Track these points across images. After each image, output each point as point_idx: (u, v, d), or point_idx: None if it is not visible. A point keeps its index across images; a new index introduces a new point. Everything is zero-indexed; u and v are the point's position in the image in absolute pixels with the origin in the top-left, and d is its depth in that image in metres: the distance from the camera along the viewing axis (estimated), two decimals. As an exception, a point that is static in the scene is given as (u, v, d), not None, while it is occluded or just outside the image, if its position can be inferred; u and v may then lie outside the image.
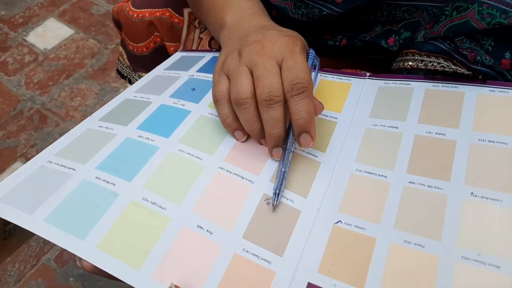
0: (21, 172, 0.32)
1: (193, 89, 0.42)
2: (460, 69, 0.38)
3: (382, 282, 0.27)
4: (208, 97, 0.40)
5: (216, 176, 0.33)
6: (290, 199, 0.32)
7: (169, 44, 0.56)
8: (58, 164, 0.33)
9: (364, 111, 0.39)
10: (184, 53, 0.51)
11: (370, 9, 0.44)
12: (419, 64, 0.41)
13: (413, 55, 0.42)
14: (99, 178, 0.31)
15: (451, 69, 0.38)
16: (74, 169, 0.32)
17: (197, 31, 0.57)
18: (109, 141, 0.35)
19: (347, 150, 0.36)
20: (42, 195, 0.30)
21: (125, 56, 0.64)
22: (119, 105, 0.41)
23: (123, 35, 0.59)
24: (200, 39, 0.57)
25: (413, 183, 0.32)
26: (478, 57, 0.37)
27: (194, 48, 0.57)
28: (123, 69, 0.66)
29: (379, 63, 0.51)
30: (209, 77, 0.43)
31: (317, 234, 0.31)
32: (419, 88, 0.38)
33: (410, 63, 0.41)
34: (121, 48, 0.65)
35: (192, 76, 0.44)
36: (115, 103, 0.41)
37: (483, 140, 0.33)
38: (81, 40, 1.30)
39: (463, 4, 0.38)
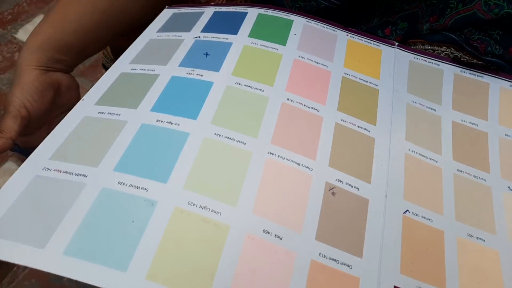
0: (10, 189, 0.22)
1: (207, 54, 0.33)
2: (472, 59, 0.39)
3: (459, 281, 0.26)
4: (229, 63, 0.32)
5: (268, 165, 0.26)
6: (354, 186, 0.27)
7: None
8: (59, 171, 0.23)
9: (401, 84, 0.35)
10: (175, 10, 0.38)
11: (369, 1, 0.42)
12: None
13: (423, 45, 0.40)
14: (124, 184, 0.23)
15: (465, 59, 0.39)
16: (85, 175, 0.23)
17: None
18: (119, 131, 0.26)
19: (396, 125, 0.32)
20: (50, 219, 0.21)
21: (109, 49, 0.59)
22: (116, 82, 0.30)
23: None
24: None
25: (461, 171, 0.31)
26: (489, 48, 0.39)
27: None
28: (108, 62, 0.61)
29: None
30: (220, 37, 0.34)
31: (390, 227, 0.27)
32: (449, 71, 0.37)
33: (422, 50, 0.40)
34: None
35: (198, 38, 0.34)
36: (109, 80, 0.30)
37: (509, 136, 0.34)
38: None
39: None
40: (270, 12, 0.37)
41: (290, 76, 0.32)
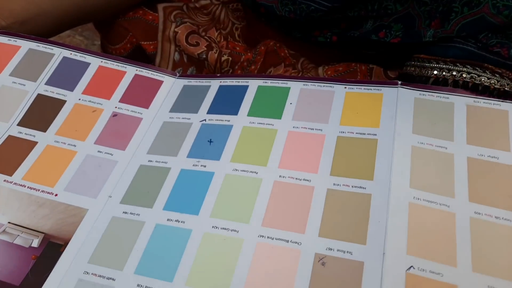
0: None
1: (210, 141, 0.37)
2: (493, 75, 0.36)
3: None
4: (229, 149, 0.36)
5: (258, 249, 0.29)
6: (347, 251, 0.29)
7: (146, 43, 0.49)
8: (95, 275, 0.30)
9: (405, 125, 0.35)
10: (185, 81, 0.43)
11: (360, 3, 0.42)
12: (445, 74, 0.38)
13: (437, 63, 0.38)
14: (141, 286, 0.29)
15: (485, 78, 0.36)
16: (113, 279, 0.29)
17: (173, 25, 0.49)
18: (138, 233, 0.32)
19: (397, 173, 0.32)
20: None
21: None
22: (136, 176, 0.36)
23: (101, 37, 0.54)
24: (176, 33, 0.49)
25: (479, 213, 0.29)
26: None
27: (172, 48, 0.49)
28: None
29: (377, 58, 0.49)
30: (223, 120, 0.38)
31: None
32: (460, 103, 0.35)
33: (436, 72, 0.38)
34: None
35: (204, 122, 0.39)
36: (131, 174, 0.36)
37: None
38: (68, 37, 1.21)
39: None
40: (269, 83, 0.40)
41: (283, 151, 0.34)
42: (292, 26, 0.50)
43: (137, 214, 0.33)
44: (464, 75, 0.37)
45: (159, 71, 0.44)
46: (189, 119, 0.39)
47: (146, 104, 0.41)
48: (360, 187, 0.31)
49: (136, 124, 0.39)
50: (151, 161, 0.36)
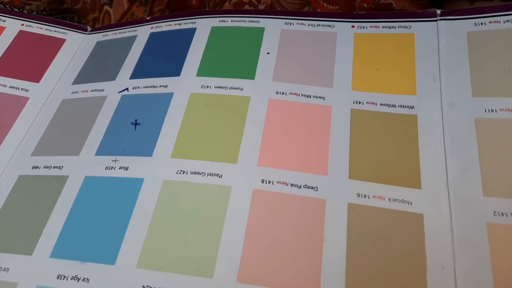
0: None
1: (136, 124, 0.22)
2: None
3: None
4: (167, 138, 0.21)
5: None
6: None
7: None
8: None
9: (458, 84, 0.20)
10: (100, 35, 0.28)
11: None
12: None
13: None
14: None
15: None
16: None
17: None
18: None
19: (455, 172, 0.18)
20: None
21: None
22: (14, 189, 0.21)
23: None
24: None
25: None
26: None
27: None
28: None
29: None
30: (156, 85, 0.24)
31: None
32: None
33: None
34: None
35: (126, 93, 0.24)
36: (5, 189, 0.21)
37: None
38: None
39: None
40: (230, 22, 0.25)
41: (263, 140, 0.20)
42: None
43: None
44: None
45: (61, 26, 0.28)
46: (102, 90, 0.24)
47: (35, 76, 0.26)
48: (405, 201, 0.17)
49: (19, 108, 0.24)
50: (37, 167, 0.21)
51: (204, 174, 0.19)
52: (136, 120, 0.22)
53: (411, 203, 0.17)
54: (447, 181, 0.18)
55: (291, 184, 0.19)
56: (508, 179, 0.17)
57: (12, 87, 0.25)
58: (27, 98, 0.25)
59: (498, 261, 0.15)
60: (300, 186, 0.19)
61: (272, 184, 0.19)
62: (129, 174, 0.20)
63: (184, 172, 0.19)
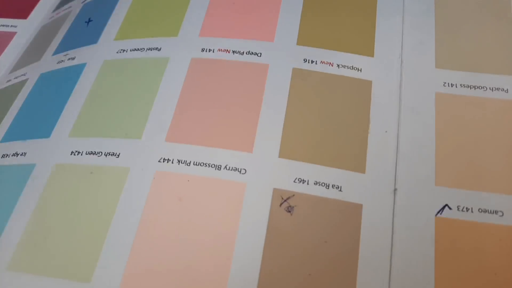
0: None
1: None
2: None
3: None
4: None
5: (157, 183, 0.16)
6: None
7: None
8: None
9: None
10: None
11: None
12: None
13: None
14: None
15: None
16: None
17: None
18: None
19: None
20: None
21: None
22: None
23: None
24: None
25: None
26: None
27: None
28: None
29: None
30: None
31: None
32: None
33: None
34: None
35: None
36: None
37: None
38: None
39: None
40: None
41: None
42: None
43: None
44: None
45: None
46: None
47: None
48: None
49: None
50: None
51: (143, 49, 0.18)
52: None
53: (360, 69, 0.16)
54: (401, 51, 0.16)
55: (233, 51, 0.17)
56: (461, 53, 0.16)
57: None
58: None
59: (442, 128, 0.14)
60: (243, 52, 0.17)
61: (213, 52, 0.17)
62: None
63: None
